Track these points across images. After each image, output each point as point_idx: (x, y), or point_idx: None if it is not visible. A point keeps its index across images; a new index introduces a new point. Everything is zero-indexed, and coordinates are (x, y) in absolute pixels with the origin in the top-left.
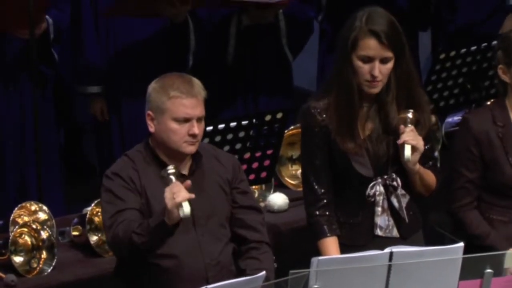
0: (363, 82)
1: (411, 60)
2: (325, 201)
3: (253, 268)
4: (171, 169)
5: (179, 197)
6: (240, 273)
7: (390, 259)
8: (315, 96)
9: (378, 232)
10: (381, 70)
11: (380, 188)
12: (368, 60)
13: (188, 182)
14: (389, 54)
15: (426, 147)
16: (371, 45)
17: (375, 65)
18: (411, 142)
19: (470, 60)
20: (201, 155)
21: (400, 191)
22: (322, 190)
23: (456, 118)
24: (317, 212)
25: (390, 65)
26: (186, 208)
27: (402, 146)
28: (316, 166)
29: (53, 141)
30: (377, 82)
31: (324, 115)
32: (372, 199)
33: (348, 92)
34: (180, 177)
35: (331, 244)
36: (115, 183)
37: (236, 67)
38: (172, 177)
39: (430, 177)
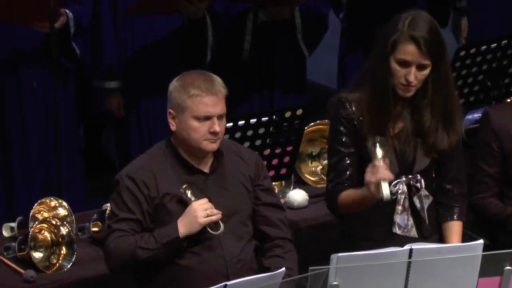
0: (397, 84)
1: (449, 66)
2: (346, 184)
3: (277, 267)
4: (187, 188)
5: (215, 216)
6: (263, 271)
7: (410, 256)
8: (347, 89)
9: (397, 230)
10: (417, 76)
11: (403, 187)
12: (405, 64)
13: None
14: (427, 61)
15: (451, 162)
16: (410, 51)
17: (411, 71)
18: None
19: (490, 57)
20: (222, 152)
21: (424, 192)
22: (348, 173)
23: (476, 115)
24: (333, 184)
25: (426, 71)
26: (222, 226)
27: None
28: (341, 152)
29: (74, 135)
30: (411, 86)
31: (354, 108)
32: (394, 197)
33: (382, 91)
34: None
35: (349, 191)
36: (126, 186)
37: (252, 63)
38: (190, 196)
39: (460, 233)
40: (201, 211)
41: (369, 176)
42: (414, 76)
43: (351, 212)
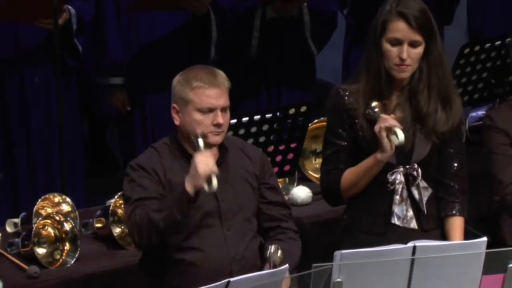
0: (392, 66)
1: (442, 48)
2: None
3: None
4: (200, 138)
5: (215, 168)
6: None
7: (413, 253)
8: (346, 81)
9: (396, 221)
10: (410, 54)
11: (400, 177)
12: (397, 43)
13: None
14: (418, 37)
15: (453, 153)
16: (399, 28)
17: (404, 48)
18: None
19: (495, 55)
20: (227, 148)
21: (422, 183)
22: (341, 166)
23: (480, 112)
24: (329, 175)
25: (419, 50)
26: (215, 182)
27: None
28: (337, 145)
29: (77, 133)
30: (405, 66)
31: (352, 99)
32: (392, 187)
33: (376, 77)
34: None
35: (350, 170)
36: (138, 174)
37: (260, 59)
38: (201, 145)
39: (462, 228)
40: (202, 162)
41: (380, 123)
42: (407, 54)
43: (356, 191)
